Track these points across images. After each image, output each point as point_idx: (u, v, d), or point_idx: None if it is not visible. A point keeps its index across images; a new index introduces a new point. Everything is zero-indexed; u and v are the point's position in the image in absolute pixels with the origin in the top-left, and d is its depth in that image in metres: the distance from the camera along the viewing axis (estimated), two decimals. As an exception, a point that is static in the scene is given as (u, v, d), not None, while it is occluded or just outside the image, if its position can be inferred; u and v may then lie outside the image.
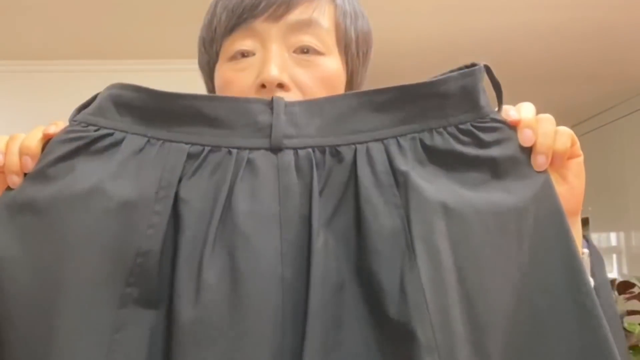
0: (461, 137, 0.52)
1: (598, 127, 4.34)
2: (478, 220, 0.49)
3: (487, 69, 0.55)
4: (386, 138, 0.52)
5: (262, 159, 0.52)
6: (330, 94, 0.64)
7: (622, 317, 3.16)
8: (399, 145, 0.52)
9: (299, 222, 0.50)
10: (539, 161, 0.52)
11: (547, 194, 0.52)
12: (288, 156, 0.52)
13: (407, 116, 0.53)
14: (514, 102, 0.56)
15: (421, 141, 0.52)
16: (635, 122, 3.96)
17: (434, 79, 0.54)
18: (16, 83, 3.04)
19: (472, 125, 0.52)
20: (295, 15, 0.62)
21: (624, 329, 3.04)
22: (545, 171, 0.53)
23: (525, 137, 0.52)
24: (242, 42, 0.63)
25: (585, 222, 4.45)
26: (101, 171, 0.51)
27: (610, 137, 4.24)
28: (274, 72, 0.60)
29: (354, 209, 0.50)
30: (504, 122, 0.53)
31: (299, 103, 0.54)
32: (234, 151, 0.52)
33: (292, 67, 0.62)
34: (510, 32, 2.83)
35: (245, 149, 0.52)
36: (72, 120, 0.54)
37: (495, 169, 0.52)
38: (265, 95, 0.61)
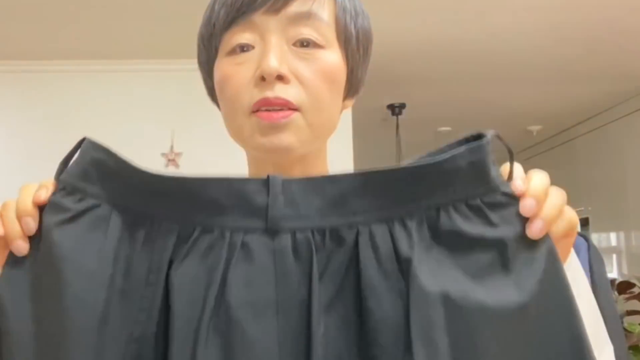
0: (469, 214, 0.49)
1: (598, 127, 4.34)
2: (480, 314, 0.47)
3: (497, 136, 0.52)
4: (391, 218, 0.49)
5: (257, 242, 0.48)
6: (330, 87, 0.63)
7: (622, 317, 3.16)
8: (404, 226, 0.49)
9: (297, 309, 0.47)
10: (535, 225, 0.49)
11: (554, 278, 0.49)
12: (285, 239, 0.48)
13: (412, 195, 0.50)
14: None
15: (427, 221, 0.50)
16: (635, 122, 3.96)
17: (440, 158, 0.51)
18: (16, 83, 3.04)
19: (482, 201, 0.50)
20: (295, 7, 0.62)
21: (624, 329, 3.04)
22: (547, 240, 0.50)
23: (525, 206, 0.49)
24: (241, 35, 0.62)
25: (585, 222, 4.45)
26: (90, 254, 0.49)
27: (610, 137, 4.24)
28: (273, 63, 0.60)
29: (355, 295, 0.48)
30: (513, 196, 0.50)
31: (297, 181, 0.51)
32: (227, 233, 0.49)
33: (292, 59, 0.62)
34: (511, 33, 2.83)
35: (239, 230, 0.49)
36: (59, 179, 0.52)
37: (501, 252, 0.49)
38: (265, 89, 0.60)
